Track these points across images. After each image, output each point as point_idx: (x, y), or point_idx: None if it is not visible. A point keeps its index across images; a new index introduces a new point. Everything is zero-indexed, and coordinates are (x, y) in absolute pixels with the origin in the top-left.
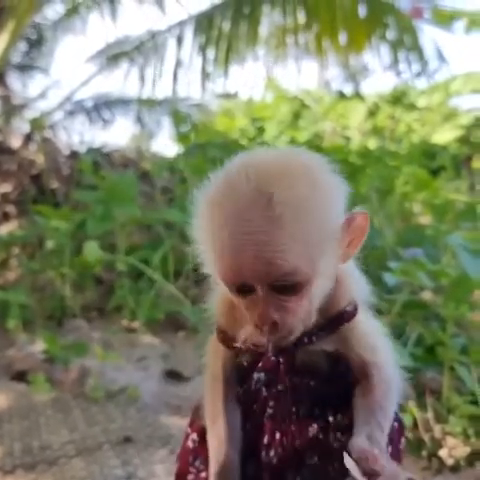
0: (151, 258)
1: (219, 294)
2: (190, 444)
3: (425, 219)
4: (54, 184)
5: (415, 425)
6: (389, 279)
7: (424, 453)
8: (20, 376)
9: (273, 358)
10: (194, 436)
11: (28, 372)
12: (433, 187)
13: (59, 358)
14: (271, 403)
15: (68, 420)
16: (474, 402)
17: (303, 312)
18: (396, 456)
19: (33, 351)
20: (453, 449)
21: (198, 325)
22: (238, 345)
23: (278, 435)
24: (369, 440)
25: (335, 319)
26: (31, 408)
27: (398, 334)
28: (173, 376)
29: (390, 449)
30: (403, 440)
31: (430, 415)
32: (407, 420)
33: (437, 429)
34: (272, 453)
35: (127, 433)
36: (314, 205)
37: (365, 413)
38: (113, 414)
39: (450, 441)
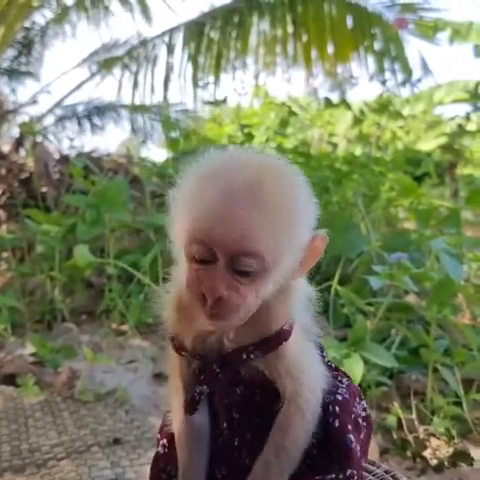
0: (141, 262)
1: (170, 300)
2: (161, 450)
3: (410, 224)
4: (44, 188)
5: (400, 426)
6: (374, 283)
7: (409, 453)
8: (9, 379)
9: (217, 370)
10: (164, 442)
11: (17, 375)
12: (417, 193)
13: (48, 361)
14: (222, 411)
15: (57, 422)
16: (457, 403)
17: (249, 301)
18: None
19: (22, 354)
20: (437, 450)
21: None
22: (186, 355)
23: (236, 442)
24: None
25: (273, 338)
26: (20, 411)
27: (383, 336)
28: (162, 379)
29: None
30: (370, 434)
31: (414, 416)
32: (392, 421)
33: (421, 430)
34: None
35: (116, 435)
36: (295, 208)
37: (270, 451)
38: (102, 416)
39: (434, 442)
